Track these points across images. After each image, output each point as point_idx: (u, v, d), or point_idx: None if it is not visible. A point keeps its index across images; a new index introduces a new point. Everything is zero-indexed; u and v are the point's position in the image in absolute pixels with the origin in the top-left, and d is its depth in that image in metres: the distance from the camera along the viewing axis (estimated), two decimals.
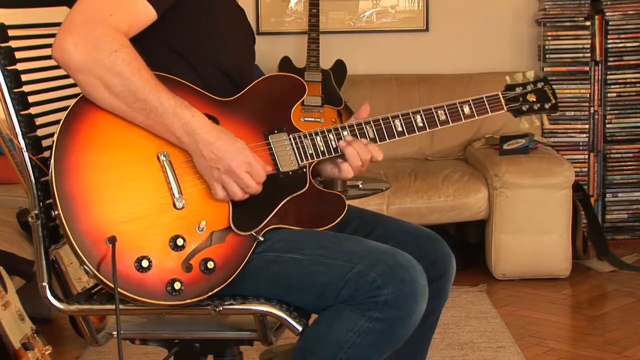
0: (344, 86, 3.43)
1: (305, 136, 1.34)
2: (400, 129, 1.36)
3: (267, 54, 3.43)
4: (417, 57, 3.71)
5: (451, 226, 3.36)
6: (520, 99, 1.45)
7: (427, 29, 3.67)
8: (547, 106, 1.46)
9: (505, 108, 1.45)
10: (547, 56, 3.42)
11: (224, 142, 1.22)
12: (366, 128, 1.35)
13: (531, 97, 1.46)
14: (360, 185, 2.51)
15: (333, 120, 3.29)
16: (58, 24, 1.23)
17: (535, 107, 1.46)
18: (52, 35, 1.20)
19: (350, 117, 1.39)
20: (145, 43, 1.24)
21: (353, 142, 1.34)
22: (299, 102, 1.36)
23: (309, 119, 3.26)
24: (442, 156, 3.51)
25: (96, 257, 1.15)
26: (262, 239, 1.27)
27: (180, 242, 1.20)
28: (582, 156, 3.48)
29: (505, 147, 3.06)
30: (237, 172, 1.22)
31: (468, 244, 3.36)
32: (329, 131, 1.35)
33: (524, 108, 1.46)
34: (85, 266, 1.17)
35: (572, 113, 3.45)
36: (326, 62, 3.42)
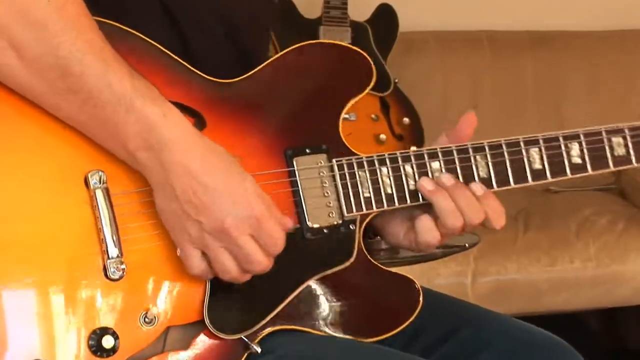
0: (394, 52, 3.45)
1: (360, 165, 1.35)
2: (538, 165, 1.39)
3: None
4: (527, 1, 3.79)
5: (593, 317, 3.39)
6: None
7: None
8: None
9: None
10: None
11: (218, 175, 1.22)
12: (475, 159, 1.37)
13: None
14: None
15: (373, 116, 3.34)
16: None
17: None
18: None
19: (441, 136, 1.40)
20: None
21: (453, 186, 1.34)
22: (359, 97, 1.39)
23: None
24: (575, 185, 3.46)
25: None
26: (258, 349, 1.28)
27: (108, 341, 1.21)
28: None
29: None
30: (233, 236, 1.22)
31: (626, 350, 3.36)
32: (406, 159, 1.35)
33: None
34: None
35: None
36: (361, 10, 3.43)
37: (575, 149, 1.40)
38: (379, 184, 1.35)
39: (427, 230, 1.35)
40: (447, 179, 1.35)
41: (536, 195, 3.44)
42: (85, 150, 1.24)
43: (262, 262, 1.24)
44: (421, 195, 1.35)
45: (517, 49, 3.71)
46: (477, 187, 1.35)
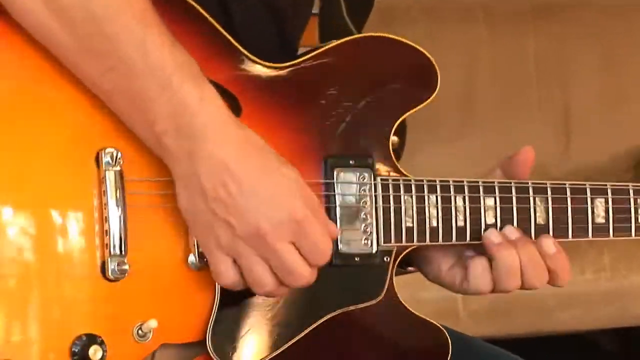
0: (370, 25, 3.23)
1: (407, 188, 1.34)
2: (601, 219, 1.40)
3: None
4: None
5: (607, 337, 3.39)
6: None
7: None
8: None
9: None
10: None
11: (255, 171, 1.22)
12: (534, 201, 1.38)
13: None
14: None
15: None
16: None
17: None
18: None
19: (494, 170, 1.41)
20: None
21: (519, 241, 1.34)
22: (418, 109, 1.38)
23: None
24: (587, 179, 3.32)
25: None
26: None
27: (96, 353, 1.20)
28: None
29: None
30: (270, 243, 1.22)
31: None
32: (459, 189, 1.35)
33: None
34: None
35: None
36: None
37: None
38: (424, 214, 1.35)
39: (481, 275, 1.36)
40: (512, 230, 1.36)
41: None
42: (103, 123, 1.24)
43: (303, 275, 1.24)
44: (485, 248, 1.34)
45: (517, 22, 3.66)
46: (549, 245, 1.35)
